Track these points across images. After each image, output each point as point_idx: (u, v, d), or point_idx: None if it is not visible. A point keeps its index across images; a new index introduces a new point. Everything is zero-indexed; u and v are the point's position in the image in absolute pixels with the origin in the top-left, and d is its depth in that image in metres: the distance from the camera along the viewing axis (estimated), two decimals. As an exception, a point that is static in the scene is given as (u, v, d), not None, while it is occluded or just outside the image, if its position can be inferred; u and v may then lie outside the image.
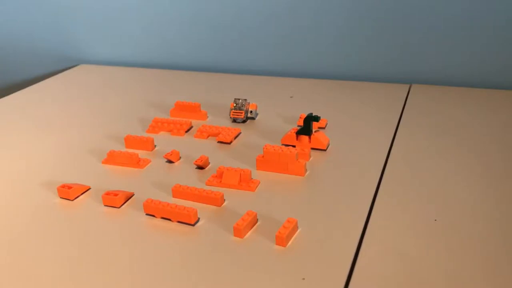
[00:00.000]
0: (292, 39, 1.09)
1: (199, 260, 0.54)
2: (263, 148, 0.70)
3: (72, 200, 0.66)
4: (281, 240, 0.55)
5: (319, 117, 0.74)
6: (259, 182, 0.68)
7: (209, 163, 0.74)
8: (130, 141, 0.79)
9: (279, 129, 0.82)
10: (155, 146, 0.80)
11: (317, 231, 0.58)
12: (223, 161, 0.73)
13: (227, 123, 0.86)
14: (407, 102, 0.92)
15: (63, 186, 0.67)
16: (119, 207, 0.64)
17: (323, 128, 0.83)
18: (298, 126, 0.82)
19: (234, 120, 0.87)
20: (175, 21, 1.17)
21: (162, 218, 0.61)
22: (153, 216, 0.61)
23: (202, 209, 0.62)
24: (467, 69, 0.99)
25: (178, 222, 0.60)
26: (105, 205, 0.65)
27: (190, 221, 0.59)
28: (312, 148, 0.75)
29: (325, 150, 0.76)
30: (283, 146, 0.71)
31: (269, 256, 0.54)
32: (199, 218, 0.60)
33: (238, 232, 0.57)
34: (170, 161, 0.75)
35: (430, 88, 0.98)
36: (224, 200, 0.64)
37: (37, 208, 0.66)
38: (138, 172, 0.73)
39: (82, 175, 0.72)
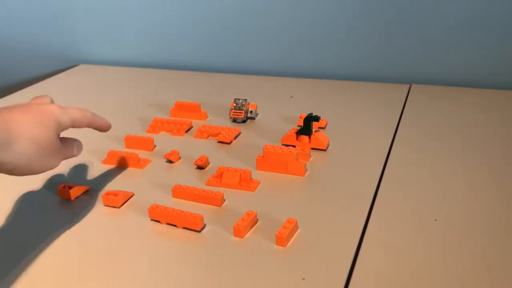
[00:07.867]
0: (292, 39, 1.09)
1: (198, 260, 0.55)
2: (263, 148, 0.70)
3: (72, 200, 0.66)
4: (281, 240, 0.55)
5: (319, 117, 0.74)
6: (259, 182, 0.68)
7: (209, 163, 0.74)
8: (130, 141, 0.79)
9: (279, 129, 0.82)
10: (155, 146, 0.80)
11: (317, 231, 0.58)
12: (223, 161, 0.73)
13: (227, 123, 0.86)
14: (407, 102, 0.92)
15: (63, 186, 0.67)
16: (119, 207, 0.64)
17: (323, 128, 0.83)
18: (298, 126, 0.82)
19: (234, 120, 0.87)
20: (175, 21, 1.17)
21: (168, 224, 0.60)
22: (158, 221, 0.61)
23: (202, 209, 0.62)
24: (467, 69, 0.99)
25: (184, 228, 0.59)
26: (105, 205, 0.65)
27: (196, 228, 0.58)
28: (312, 148, 0.75)
29: (325, 150, 0.76)
30: (283, 146, 0.71)
31: (269, 256, 0.54)
32: (205, 224, 0.60)
33: (238, 232, 0.57)
34: (170, 161, 0.75)
35: (430, 88, 0.98)
36: (224, 200, 0.64)
37: (37, 208, 0.66)
38: (138, 172, 0.73)
39: (82, 175, 0.72)
